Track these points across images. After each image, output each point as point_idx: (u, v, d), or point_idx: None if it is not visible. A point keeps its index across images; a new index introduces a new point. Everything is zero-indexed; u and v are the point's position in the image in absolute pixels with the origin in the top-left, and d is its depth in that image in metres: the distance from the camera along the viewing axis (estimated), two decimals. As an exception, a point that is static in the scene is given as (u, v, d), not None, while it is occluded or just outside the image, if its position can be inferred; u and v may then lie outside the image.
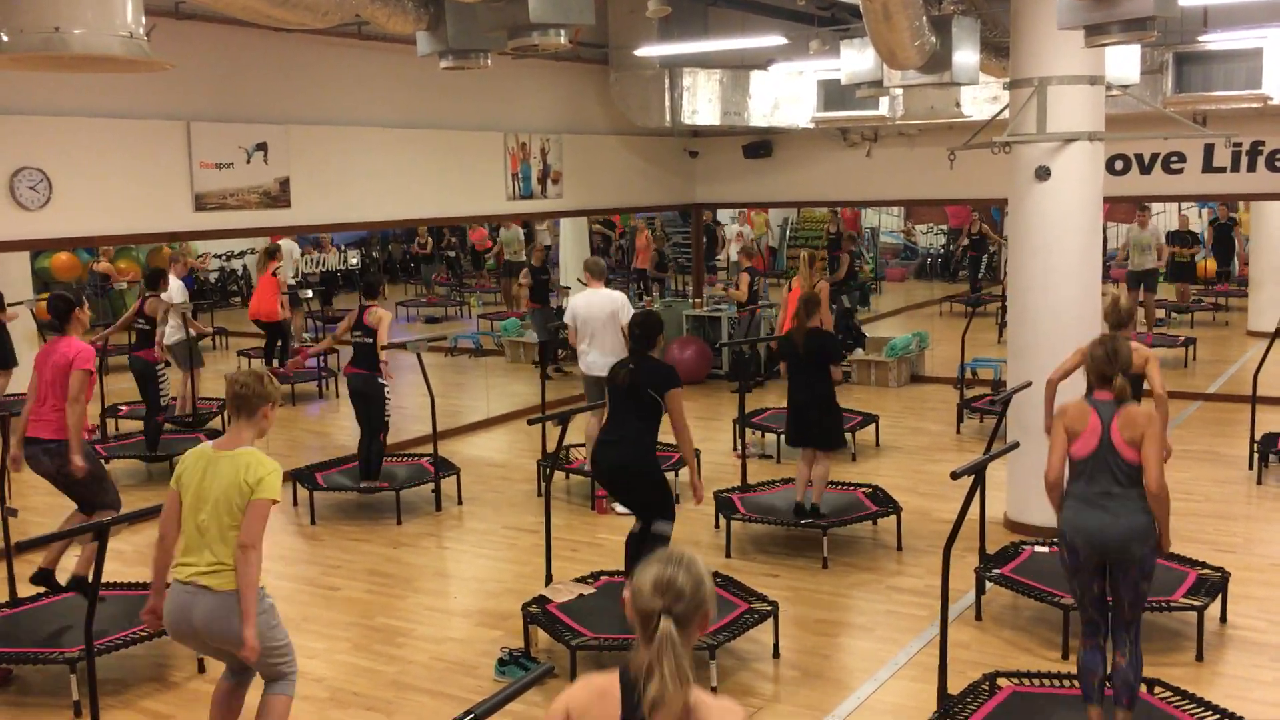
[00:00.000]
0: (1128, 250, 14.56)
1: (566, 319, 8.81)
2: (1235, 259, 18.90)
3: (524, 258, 17.38)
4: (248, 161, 8.74)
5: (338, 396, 12.76)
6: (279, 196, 8.97)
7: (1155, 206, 17.48)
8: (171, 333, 10.45)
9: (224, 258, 20.52)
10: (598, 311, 8.54)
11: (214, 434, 9.73)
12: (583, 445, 9.44)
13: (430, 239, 21.54)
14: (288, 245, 14.44)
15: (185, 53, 7.93)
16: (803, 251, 11.41)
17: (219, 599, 4.11)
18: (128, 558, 7.46)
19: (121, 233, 8.50)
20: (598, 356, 8.55)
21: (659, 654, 2.35)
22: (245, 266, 20.28)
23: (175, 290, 10.88)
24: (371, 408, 8.39)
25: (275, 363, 12.95)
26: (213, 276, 20.41)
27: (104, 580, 5.10)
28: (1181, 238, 17.10)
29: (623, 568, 6.41)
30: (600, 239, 20.47)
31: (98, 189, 7.97)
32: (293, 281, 13.93)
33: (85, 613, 4.61)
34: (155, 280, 10.14)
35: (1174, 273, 16.72)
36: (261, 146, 8.82)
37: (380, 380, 8.35)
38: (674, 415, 5.78)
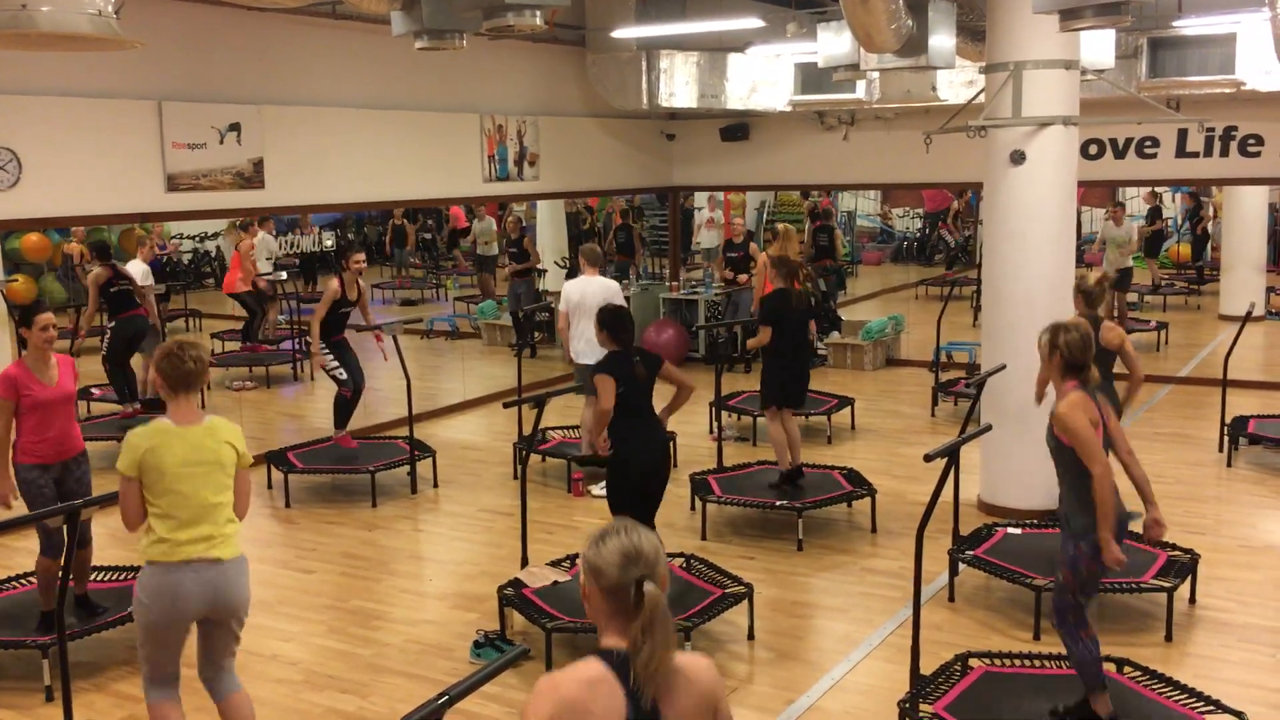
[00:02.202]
0: (1103, 244, 14.66)
1: (561, 306, 8.72)
2: (1208, 248, 19.21)
3: (495, 251, 17.32)
4: (220, 142, 8.66)
5: (313, 379, 12.70)
6: (253, 177, 8.90)
7: (1129, 190, 17.76)
8: None
9: (197, 239, 20.36)
10: (592, 300, 8.44)
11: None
12: (562, 429, 9.44)
13: (405, 221, 21.40)
14: (264, 240, 14.29)
15: (156, 31, 7.83)
16: (780, 225, 11.29)
17: (234, 566, 4.17)
18: (99, 540, 7.40)
19: (93, 213, 8.42)
20: (588, 345, 8.47)
21: (651, 621, 2.31)
22: (219, 248, 20.13)
23: (140, 274, 10.84)
24: None
25: (253, 338, 12.92)
26: (185, 258, 20.25)
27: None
28: (1153, 210, 17.50)
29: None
30: (582, 219, 20.43)
31: (68, 169, 7.88)
32: (267, 264, 13.81)
33: (58, 597, 4.57)
34: (105, 251, 10.36)
35: (1145, 247, 17.09)
36: (235, 127, 8.74)
37: (310, 340, 8.71)
38: (680, 376, 5.95)
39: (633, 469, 5.79)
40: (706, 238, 20.13)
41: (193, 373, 4.15)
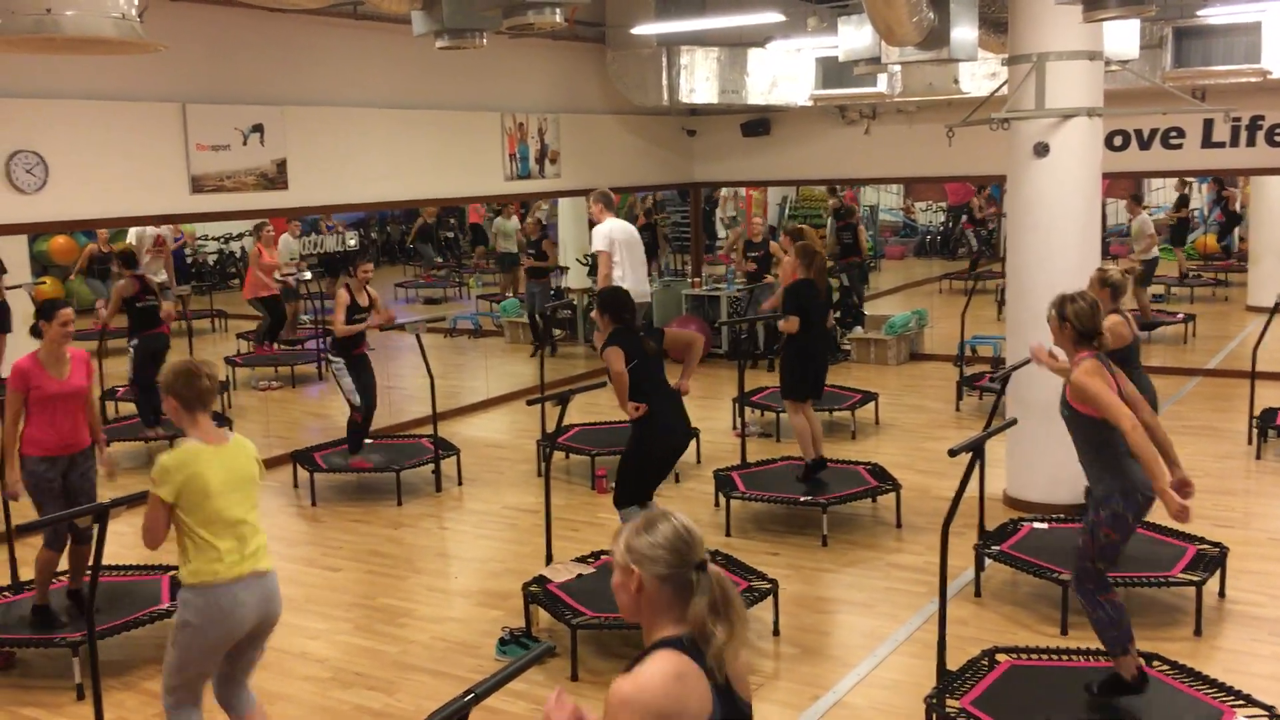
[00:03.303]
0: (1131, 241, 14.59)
1: (602, 246, 8.68)
2: (1234, 234, 19.07)
3: (515, 249, 17.34)
4: (244, 143, 8.71)
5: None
6: (276, 178, 8.95)
7: (1154, 182, 17.68)
8: None
9: (222, 240, 20.47)
10: (635, 241, 8.53)
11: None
12: (586, 425, 9.44)
13: (434, 222, 21.50)
14: (285, 242, 14.34)
15: (179, 34, 7.88)
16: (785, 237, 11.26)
17: (274, 577, 4.24)
18: (128, 540, 7.46)
19: (118, 215, 8.48)
20: (634, 284, 8.63)
21: (726, 599, 2.32)
22: (243, 249, 20.25)
23: (165, 234, 10.96)
24: None
25: (267, 342, 12.98)
26: (211, 259, 20.37)
27: (105, 563, 5.11)
28: (1181, 198, 17.46)
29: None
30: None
31: (94, 172, 7.94)
32: (290, 266, 13.87)
33: (87, 596, 4.62)
34: (132, 260, 10.34)
35: (1171, 236, 17.10)
36: (258, 128, 8.78)
37: (330, 358, 8.66)
38: (684, 334, 6.24)
39: (658, 445, 5.87)
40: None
41: (208, 390, 4.14)
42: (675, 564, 2.34)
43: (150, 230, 10.95)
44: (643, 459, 6.03)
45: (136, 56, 7.57)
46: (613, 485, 8.20)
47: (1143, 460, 4.42)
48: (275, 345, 13.11)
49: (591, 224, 9.50)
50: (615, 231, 8.60)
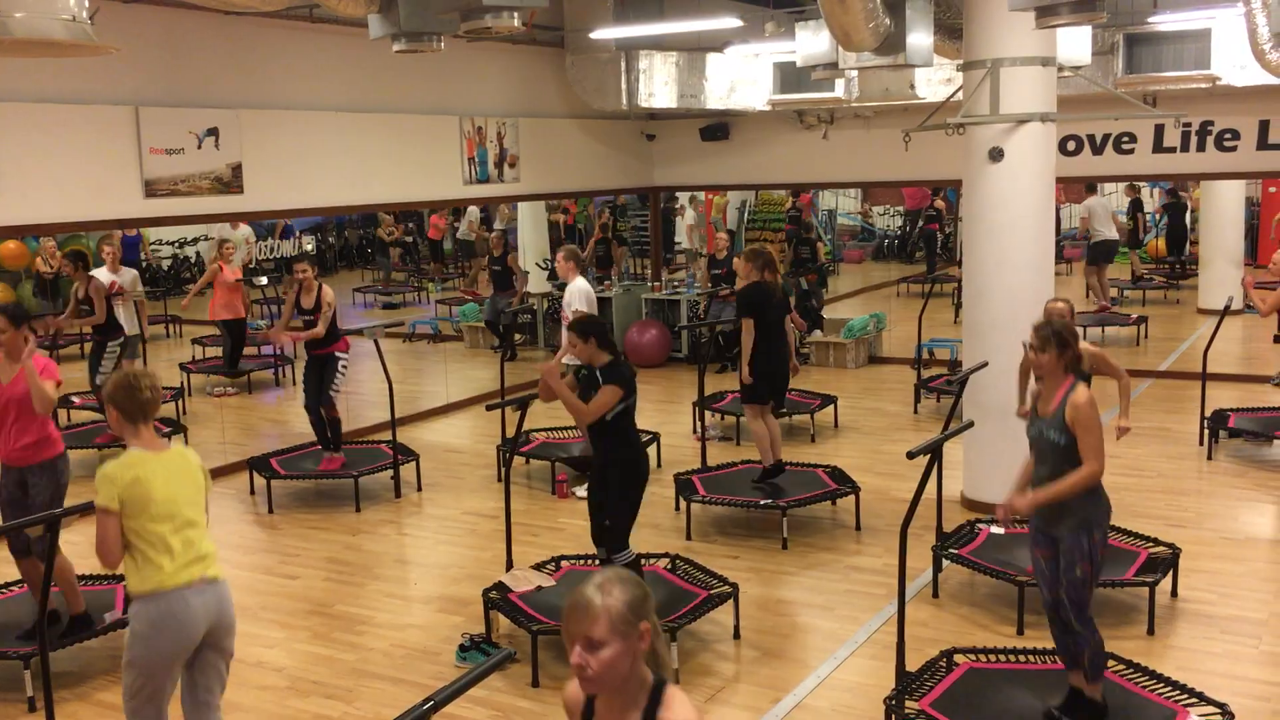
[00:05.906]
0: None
1: (579, 306, 8.61)
2: (1187, 244, 19.36)
3: (472, 237, 17.26)
4: (199, 147, 8.61)
5: (294, 384, 12.64)
6: (231, 182, 8.85)
7: (1107, 186, 17.93)
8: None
9: (176, 245, 20.24)
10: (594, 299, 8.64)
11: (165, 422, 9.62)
12: (545, 430, 9.42)
13: (396, 227, 21.38)
14: (242, 231, 14.19)
15: (132, 36, 7.79)
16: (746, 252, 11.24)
17: (225, 586, 4.15)
18: (80, 550, 7.35)
19: (70, 220, 8.35)
20: None
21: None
22: (198, 253, 20.02)
23: (129, 280, 10.74)
24: None
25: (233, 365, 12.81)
26: (165, 264, 20.12)
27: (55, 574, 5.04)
28: (1133, 203, 17.79)
29: (582, 553, 6.45)
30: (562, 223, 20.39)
31: (45, 175, 7.81)
32: (247, 268, 13.72)
33: (38, 608, 4.55)
34: (86, 260, 10.43)
35: (1128, 240, 17.46)
36: (213, 132, 8.69)
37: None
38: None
39: (643, 469, 5.75)
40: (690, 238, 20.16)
41: (150, 401, 4.07)
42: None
43: (104, 277, 10.46)
44: (633, 493, 5.73)
45: (88, 59, 7.46)
46: (573, 491, 8.22)
47: (1065, 489, 4.52)
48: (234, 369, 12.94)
49: (551, 231, 9.50)
50: (591, 294, 8.75)
